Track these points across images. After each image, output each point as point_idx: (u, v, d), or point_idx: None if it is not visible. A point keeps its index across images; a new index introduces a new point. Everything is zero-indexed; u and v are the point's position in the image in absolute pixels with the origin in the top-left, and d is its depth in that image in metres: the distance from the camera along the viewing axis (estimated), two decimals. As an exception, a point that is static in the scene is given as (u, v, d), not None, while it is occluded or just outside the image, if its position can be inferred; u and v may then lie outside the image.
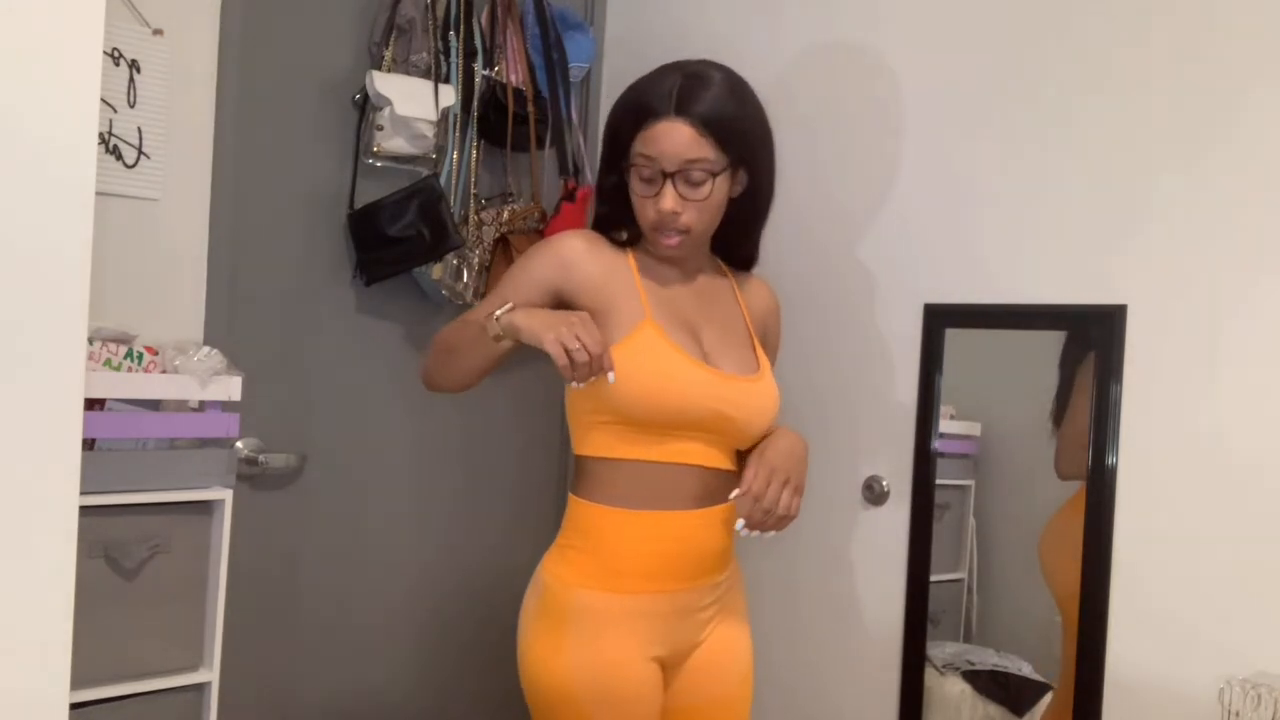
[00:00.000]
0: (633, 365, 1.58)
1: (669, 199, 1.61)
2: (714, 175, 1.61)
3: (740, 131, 1.63)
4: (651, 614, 1.63)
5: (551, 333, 1.49)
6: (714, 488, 1.66)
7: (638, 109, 1.63)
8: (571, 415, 1.69)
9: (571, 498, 1.69)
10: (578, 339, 1.48)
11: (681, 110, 1.59)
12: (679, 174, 1.60)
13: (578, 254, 1.67)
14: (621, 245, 1.72)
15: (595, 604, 1.62)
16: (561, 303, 1.66)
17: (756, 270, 1.86)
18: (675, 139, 1.59)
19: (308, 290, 2.18)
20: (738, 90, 1.65)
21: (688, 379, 1.61)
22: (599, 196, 1.77)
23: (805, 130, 2.25)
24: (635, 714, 1.62)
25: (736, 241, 1.78)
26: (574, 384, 1.52)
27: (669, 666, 1.68)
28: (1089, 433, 1.80)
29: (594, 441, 1.65)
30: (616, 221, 1.73)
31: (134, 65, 1.86)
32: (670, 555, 1.63)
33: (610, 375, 1.53)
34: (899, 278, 2.09)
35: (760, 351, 1.75)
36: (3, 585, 1.17)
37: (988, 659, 1.99)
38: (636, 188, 1.65)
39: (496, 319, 1.57)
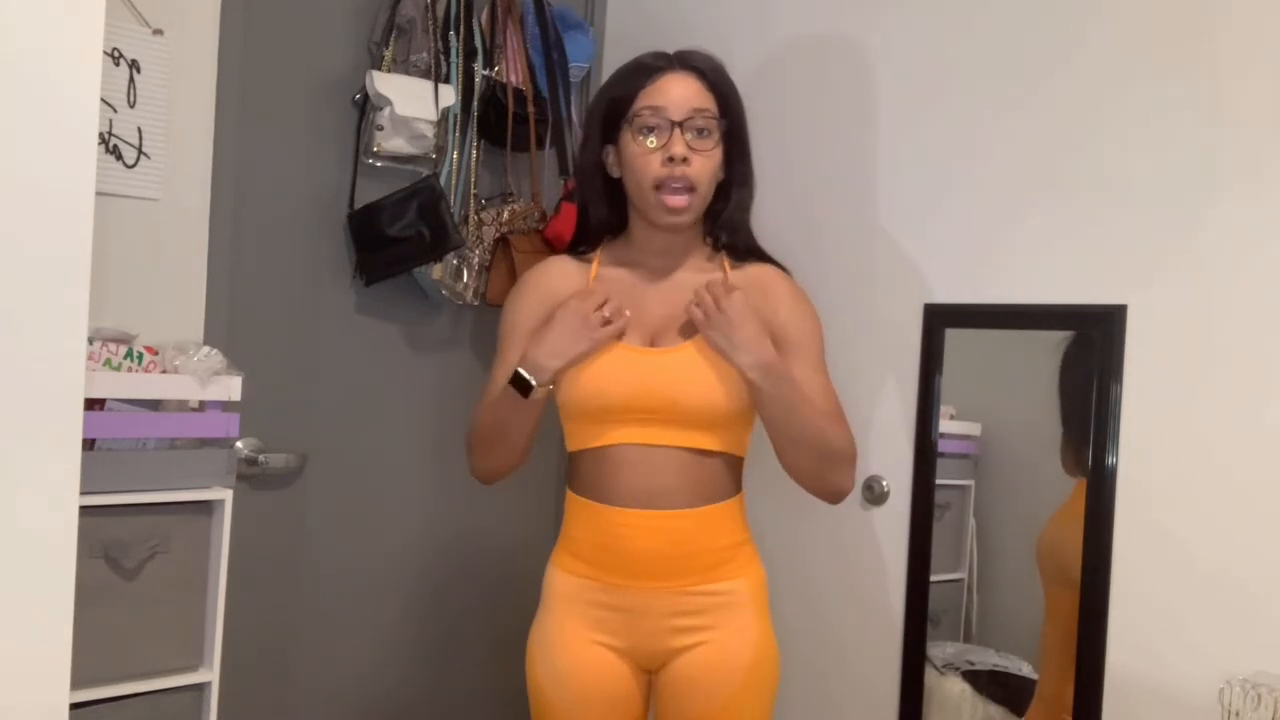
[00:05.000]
0: None
1: (679, 144, 1.64)
2: (717, 128, 1.67)
3: (734, 97, 1.72)
4: (600, 603, 1.67)
5: (581, 341, 1.64)
6: (661, 483, 1.64)
7: (639, 69, 1.70)
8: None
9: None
10: (596, 321, 1.63)
11: (685, 64, 1.69)
12: (687, 122, 1.65)
13: (544, 283, 1.77)
14: (588, 257, 1.78)
15: (555, 582, 1.73)
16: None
17: (789, 260, 1.82)
18: (683, 88, 1.67)
19: (308, 290, 2.18)
20: (724, 69, 1.74)
21: (608, 357, 1.65)
22: (580, 176, 1.81)
23: (805, 129, 2.25)
24: (576, 690, 1.68)
25: (724, 222, 1.76)
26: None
27: (643, 668, 1.70)
28: (1089, 431, 1.81)
29: (568, 435, 1.75)
30: (598, 207, 1.77)
31: (134, 65, 1.86)
32: (610, 550, 1.66)
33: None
34: (899, 278, 2.09)
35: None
36: (3, 585, 1.17)
37: (988, 659, 1.99)
38: (638, 147, 1.66)
39: (533, 383, 1.64)
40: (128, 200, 1.88)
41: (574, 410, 1.69)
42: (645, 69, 1.69)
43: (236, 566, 1.83)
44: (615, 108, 1.69)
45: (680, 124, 1.64)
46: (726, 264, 1.75)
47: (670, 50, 1.73)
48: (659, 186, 1.65)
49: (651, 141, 1.65)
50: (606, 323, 1.64)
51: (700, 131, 1.66)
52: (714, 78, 1.70)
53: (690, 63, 1.69)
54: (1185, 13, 1.75)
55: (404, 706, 2.36)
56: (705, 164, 1.67)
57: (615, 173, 1.73)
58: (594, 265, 1.77)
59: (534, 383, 1.63)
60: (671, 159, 1.63)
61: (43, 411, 1.18)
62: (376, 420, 2.29)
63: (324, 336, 2.21)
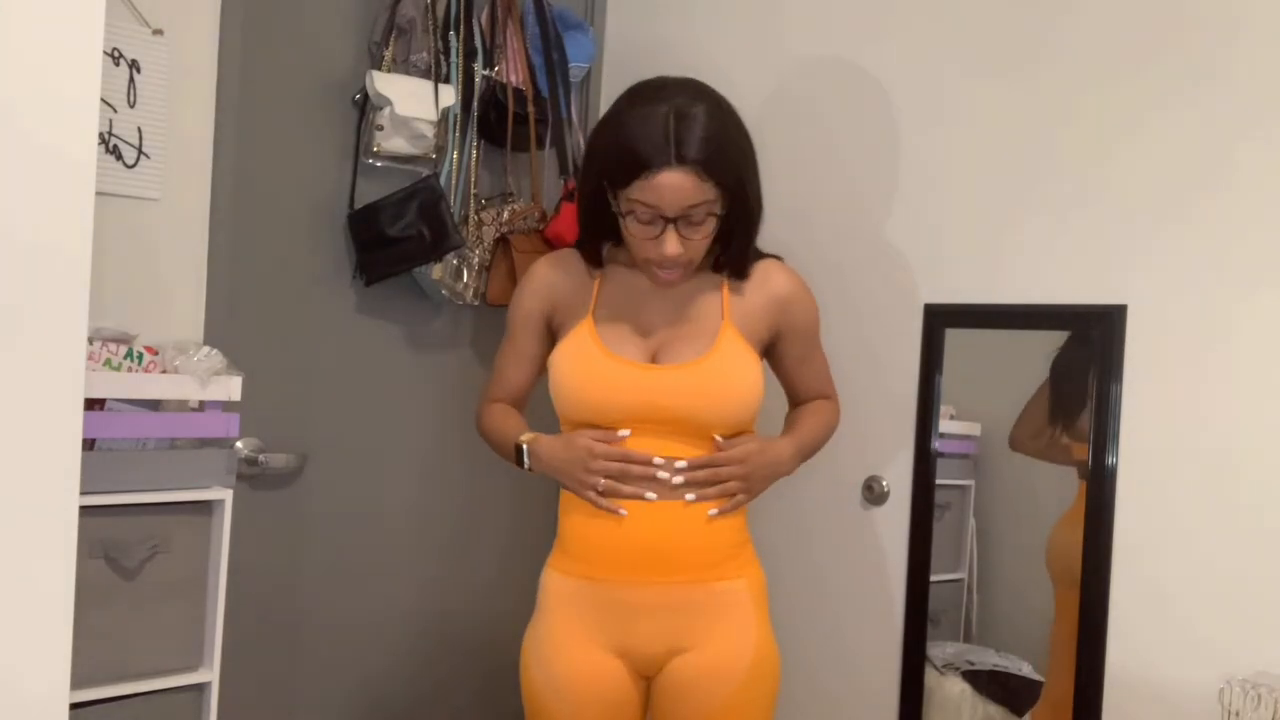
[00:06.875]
0: (564, 366, 1.69)
1: (672, 243, 1.62)
2: (714, 213, 1.63)
3: (733, 162, 1.63)
4: (597, 605, 1.67)
5: (571, 483, 1.67)
6: (665, 483, 1.64)
7: (634, 160, 1.58)
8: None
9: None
10: (597, 476, 1.63)
11: (681, 159, 1.57)
12: (680, 219, 1.61)
13: (551, 276, 1.79)
14: (595, 261, 1.77)
15: (552, 585, 1.73)
16: (551, 319, 1.78)
17: (788, 260, 1.82)
18: (679, 188, 1.58)
19: (308, 290, 2.18)
20: (724, 118, 1.63)
21: (611, 374, 1.66)
22: (581, 206, 1.77)
23: (803, 131, 2.25)
24: (573, 694, 1.67)
25: (728, 258, 1.74)
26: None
27: (641, 671, 1.69)
28: (1071, 428, 1.82)
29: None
30: (598, 234, 1.76)
31: (134, 65, 1.86)
32: (607, 546, 1.66)
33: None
34: (899, 278, 2.09)
35: (727, 336, 1.68)
36: (3, 585, 1.17)
37: (988, 659, 1.99)
38: (634, 229, 1.64)
39: (528, 465, 1.73)
40: (128, 200, 1.88)
41: (575, 420, 1.70)
42: (642, 162, 1.57)
43: (236, 566, 1.83)
44: (612, 179, 1.63)
45: (674, 220, 1.61)
46: (726, 284, 1.74)
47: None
48: (655, 265, 1.66)
49: (646, 224, 1.62)
50: (601, 487, 1.65)
51: (696, 224, 1.62)
52: (711, 166, 1.59)
53: (686, 155, 1.57)
54: (1186, 10, 1.75)
55: (403, 706, 2.36)
56: (699, 245, 1.65)
57: (615, 209, 1.67)
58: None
59: (527, 465, 1.73)
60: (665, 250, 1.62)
61: (43, 411, 1.18)
62: (376, 420, 2.29)
63: (324, 336, 2.21)
